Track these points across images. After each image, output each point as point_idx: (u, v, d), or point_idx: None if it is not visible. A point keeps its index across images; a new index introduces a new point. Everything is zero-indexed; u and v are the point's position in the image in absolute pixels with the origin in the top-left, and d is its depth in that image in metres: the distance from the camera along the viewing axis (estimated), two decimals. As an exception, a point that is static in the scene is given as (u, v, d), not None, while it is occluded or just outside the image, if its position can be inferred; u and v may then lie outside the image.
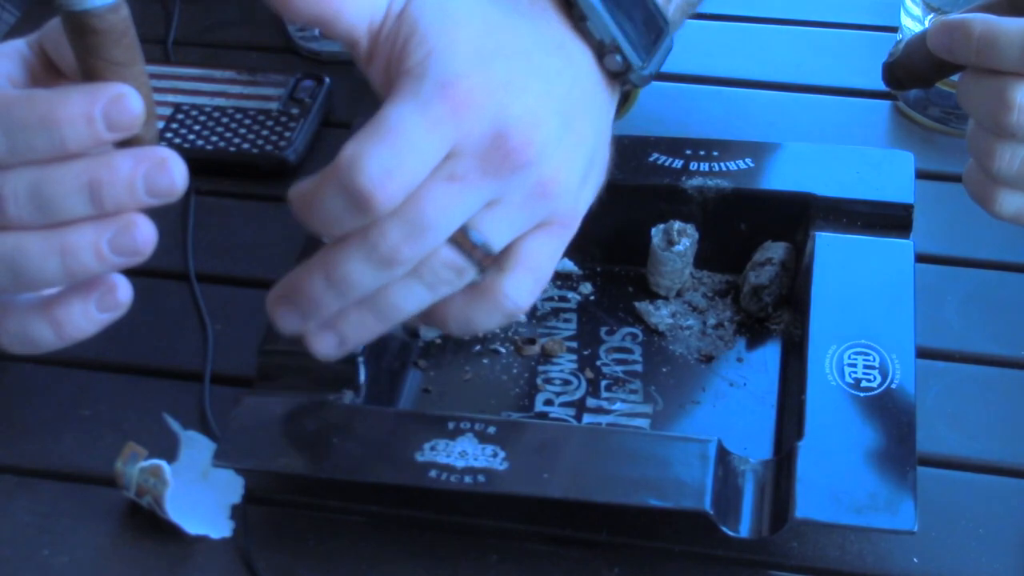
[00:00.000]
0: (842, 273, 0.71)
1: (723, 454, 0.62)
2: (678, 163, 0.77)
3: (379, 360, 0.70)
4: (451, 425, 0.63)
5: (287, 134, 0.89)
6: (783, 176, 0.77)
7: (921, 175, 0.78)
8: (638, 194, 0.77)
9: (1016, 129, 0.56)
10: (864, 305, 0.69)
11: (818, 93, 0.94)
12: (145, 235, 0.50)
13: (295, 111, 0.90)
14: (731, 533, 0.61)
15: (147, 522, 0.66)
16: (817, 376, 0.66)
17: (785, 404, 0.70)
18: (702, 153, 0.78)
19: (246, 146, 0.88)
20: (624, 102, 0.64)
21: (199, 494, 0.66)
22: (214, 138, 0.89)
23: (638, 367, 0.73)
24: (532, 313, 0.77)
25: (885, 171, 0.77)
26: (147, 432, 0.67)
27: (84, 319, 0.51)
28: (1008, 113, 0.55)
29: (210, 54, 0.99)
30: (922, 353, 0.69)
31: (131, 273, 0.52)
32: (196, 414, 0.71)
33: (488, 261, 0.56)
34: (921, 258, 0.75)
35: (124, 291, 0.52)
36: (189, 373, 0.74)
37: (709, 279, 0.78)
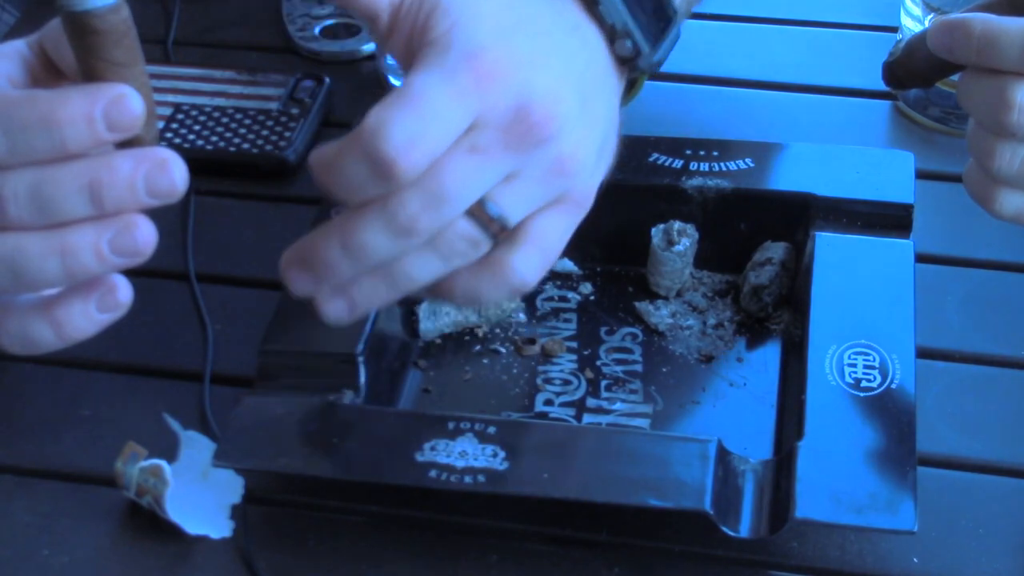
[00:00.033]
0: (842, 273, 0.71)
1: (723, 454, 0.62)
2: (678, 163, 0.77)
3: (379, 360, 0.70)
4: (451, 425, 0.63)
5: (287, 134, 0.89)
6: (783, 176, 0.77)
7: (921, 175, 0.78)
8: (638, 194, 0.77)
9: (1016, 128, 0.56)
10: (864, 305, 0.69)
11: (818, 93, 0.94)
12: (145, 236, 0.50)
13: (295, 111, 0.90)
14: (731, 533, 0.61)
15: (147, 522, 0.66)
16: (817, 376, 0.66)
17: (785, 404, 0.70)
18: (702, 153, 0.78)
19: (246, 146, 0.88)
20: (629, 89, 0.64)
21: (199, 494, 0.66)
22: (214, 138, 0.89)
23: (638, 367, 0.73)
24: (532, 313, 0.77)
25: (885, 171, 0.77)
26: (147, 432, 0.67)
27: (84, 319, 0.51)
28: (1008, 112, 0.55)
29: (210, 54, 0.99)
30: (922, 353, 0.69)
31: (131, 273, 0.52)
32: (196, 414, 0.71)
33: (503, 235, 0.56)
34: (921, 258, 0.75)
35: (124, 292, 0.52)
36: (189, 373, 0.74)
37: (709, 279, 0.78)
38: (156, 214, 0.50)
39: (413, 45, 0.55)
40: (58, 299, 0.51)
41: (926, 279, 0.75)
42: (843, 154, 0.78)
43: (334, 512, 0.67)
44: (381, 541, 0.66)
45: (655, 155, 0.78)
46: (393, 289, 0.57)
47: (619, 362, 0.74)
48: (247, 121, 0.90)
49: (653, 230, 0.76)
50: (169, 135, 0.88)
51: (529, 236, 0.57)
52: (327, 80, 0.93)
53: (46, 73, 0.54)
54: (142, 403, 0.72)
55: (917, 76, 0.64)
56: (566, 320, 0.76)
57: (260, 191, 0.87)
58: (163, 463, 0.64)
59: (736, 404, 0.71)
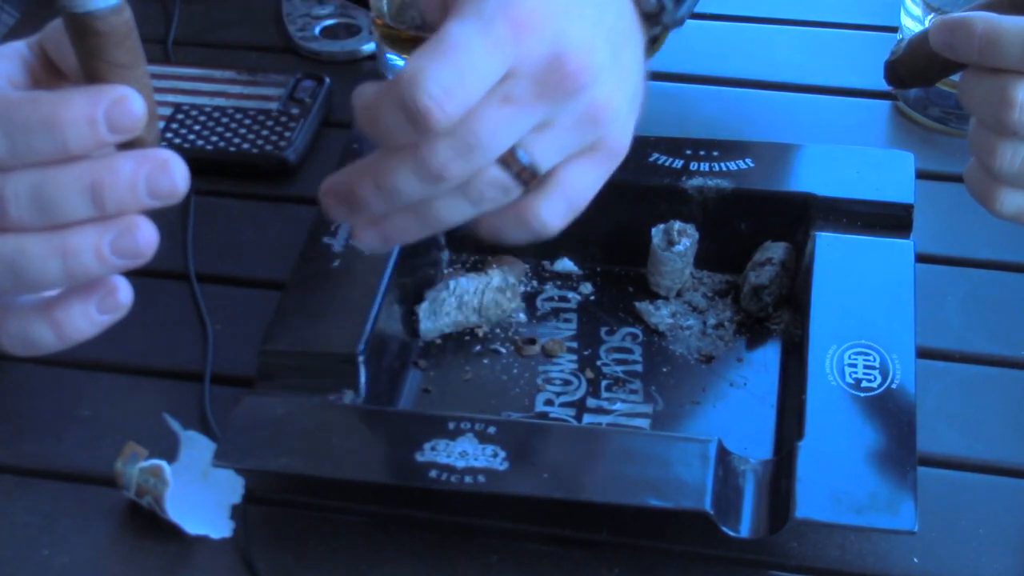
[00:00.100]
0: (842, 273, 0.71)
1: (723, 454, 0.62)
2: (678, 163, 0.77)
3: (379, 360, 0.70)
4: (451, 425, 0.63)
5: (287, 134, 0.89)
6: (783, 176, 0.77)
7: (921, 175, 0.78)
8: (638, 194, 0.77)
9: (1017, 127, 0.56)
10: (864, 305, 0.69)
11: (818, 93, 0.94)
12: (146, 237, 0.50)
13: (295, 111, 0.90)
14: (731, 533, 0.61)
15: (147, 522, 0.66)
16: (817, 376, 0.66)
17: (785, 404, 0.70)
18: (702, 153, 0.78)
19: (246, 146, 0.88)
20: (651, 45, 0.65)
21: (199, 494, 0.66)
22: (214, 138, 0.89)
23: (638, 367, 0.73)
24: (532, 313, 0.77)
25: (885, 171, 0.77)
26: (147, 432, 0.67)
27: (84, 321, 0.51)
28: (1010, 111, 0.55)
29: (210, 54, 0.99)
30: (922, 353, 0.69)
31: (131, 274, 0.52)
32: (196, 414, 0.71)
33: (533, 182, 0.57)
34: (921, 258, 0.75)
35: (125, 293, 0.52)
36: (189, 373, 0.74)
37: (709, 279, 0.78)
38: (156, 214, 0.50)
39: None
40: (58, 300, 0.51)
41: (926, 279, 0.75)
42: (843, 154, 0.78)
43: (334, 512, 0.67)
44: (381, 541, 0.66)
45: (655, 155, 0.78)
46: (424, 227, 0.58)
47: (619, 362, 0.74)
48: (247, 121, 0.90)
49: (653, 230, 0.76)
50: (169, 135, 0.88)
51: (557, 185, 0.58)
52: (327, 80, 0.93)
53: (47, 74, 0.54)
54: (142, 403, 0.72)
55: (919, 75, 0.64)
56: (566, 320, 0.76)
57: (260, 191, 0.87)
58: (163, 463, 0.64)
59: (736, 404, 0.71)
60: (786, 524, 0.60)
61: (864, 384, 0.65)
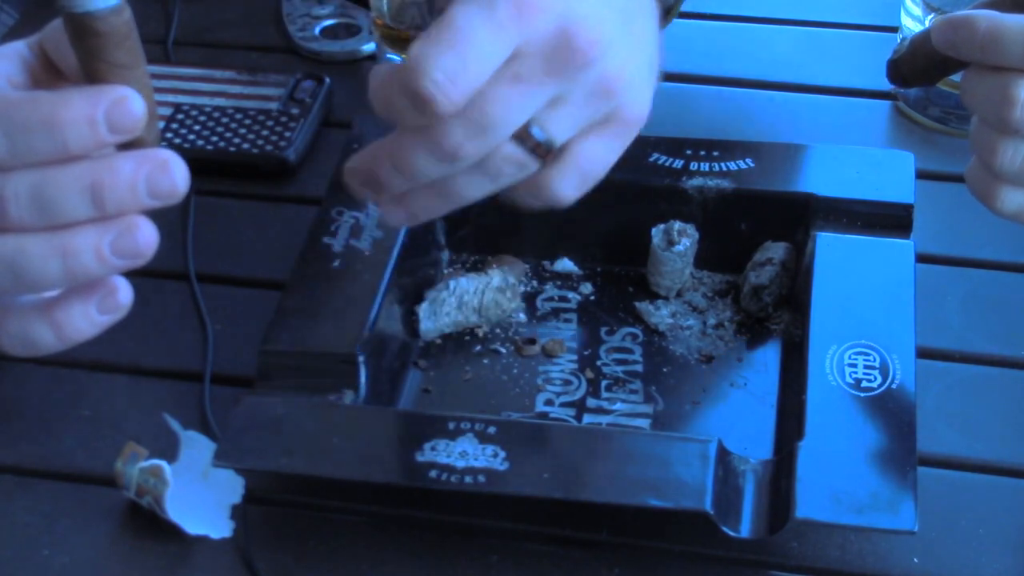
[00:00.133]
0: (842, 273, 0.71)
1: (723, 454, 0.62)
2: (678, 163, 0.77)
3: (379, 360, 0.70)
4: (451, 425, 0.63)
5: (287, 134, 0.89)
6: (783, 176, 0.77)
7: (921, 175, 0.78)
8: (638, 194, 0.77)
9: (1019, 125, 0.56)
10: (864, 305, 0.69)
11: (818, 93, 0.94)
12: (147, 237, 0.50)
13: (295, 111, 0.90)
14: (731, 533, 0.61)
15: (147, 522, 0.66)
16: (817, 376, 0.66)
17: (785, 404, 0.70)
18: (702, 153, 0.78)
19: (246, 146, 0.88)
20: (667, 14, 0.64)
21: (199, 494, 0.66)
22: (214, 138, 0.89)
23: (638, 367, 0.73)
24: (532, 313, 0.77)
25: (885, 171, 0.77)
26: (147, 432, 0.67)
27: (84, 321, 0.51)
28: (1011, 109, 0.56)
29: (210, 54, 0.99)
30: (922, 353, 0.69)
31: (131, 274, 0.52)
32: (196, 414, 0.71)
33: (550, 156, 0.57)
34: (921, 258, 0.75)
35: (125, 293, 0.52)
36: (189, 373, 0.74)
37: (709, 279, 0.78)
38: (156, 214, 0.50)
39: None
40: (58, 301, 0.51)
41: (926, 279, 0.75)
42: (843, 154, 0.78)
43: (334, 512, 0.67)
44: (381, 541, 0.66)
45: (655, 155, 0.78)
46: (447, 203, 0.59)
47: (619, 362, 0.74)
48: (247, 121, 0.90)
49: (653, 230, 0.76)
50: (169, 135, 0.88)
51: (571, 158, 0.58)
52: (327, 80, 0.93)
53: (46, 74, 0.54)
54: (142, 403, 0.72)
55: (921, 73, 0.64)
56: (566, 320, 0.76)
57: (260, 191, 0.87)
58: (163, 463, 0.64)
59: (736, 404, 0.71)
60: (786, 524, 0.60)
61: (864, 384, 0.65)
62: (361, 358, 0.68)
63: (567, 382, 0.73)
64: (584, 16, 0.54)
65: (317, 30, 1.00)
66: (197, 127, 0.89)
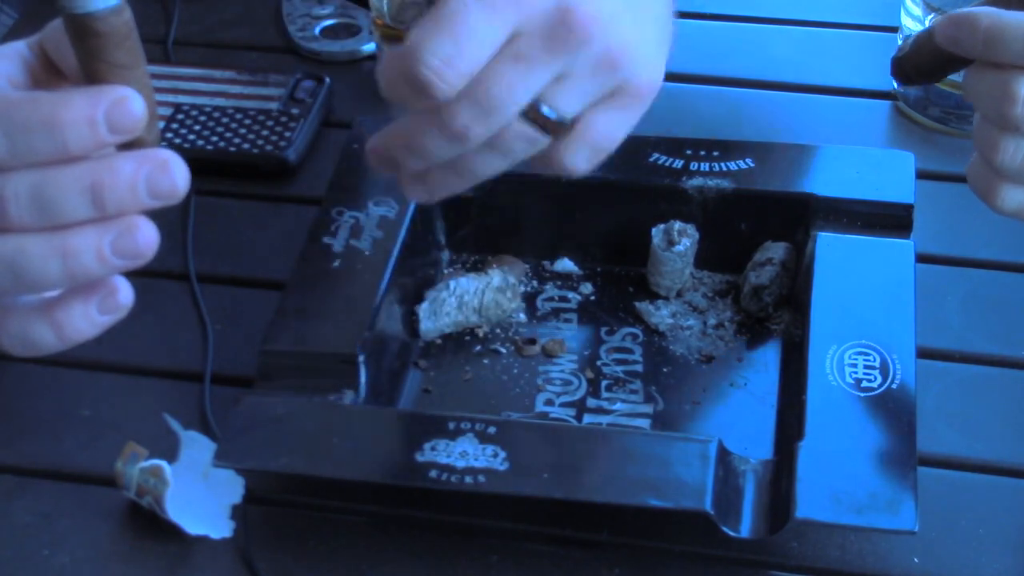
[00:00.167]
0: (842, 273, 0.71)
1: (723, 454, 0.62)
2: (678, 163, 0.77)
3: (379, 360, 0.70)
4: (451, 425, 0.63)
5: (287, 134, 0.88)
6: (783, 176, 0.77)
7: (921, 175, 0.78)
8: (638, 194, 0.77)
9: (1020, 122, 0.56)
10: (864, 305, 0.69)
11: (818, 93, 0.94)
12: (147, 238, 0.50)
13: (295, 111, 0.90)
14: (731, 533, 0.61)
15: (147, 522, 0.66)
16: (817, 376, 0.66)
17: (785, 404, 0.70)
18: (702, 153, 0.78)
19: (246, 146, 0.88)
20: None
21: (199, 494, 0.66)
22: (214, 138, 0.89)
23: (638, 367, 0.73)
24: (532, 313, 0.77)
25: (885, 171, 0.77)
26: (147, 432, 0.67)
27: (85, 321, 0.51)
28: (1012, 106, 0.56)
29: (210, 54, 0.99)
30: (922, 353, 0.69)
31: (131, 274, 0.52)
32: (196, 414, 0.72)
33: (561, 130, 0.58)
34: (921, 258, 0.75)
35: (125, 293, 0.52)
36: (189, 373, 0.74)
37: (709, 279, 0.78)
38: (156, 214, 0.50)
39: None
40: (59, 301, 0.51)
41: (926, 279, 0.75)
42: (843, 154, 0.78)
43: (334, 512, 0.67)
44: (381, 541, 0.66)
45: (655, 155, 0.78)
46: (464, 181, 0.59)
47: (619, 362, 0.74)
48: (247, 121, 0.90)
49: (653, 230, 0.76)
50: (169, 135, 0.88)
51: (581, 132, 0.58)
52: (327, 80, 0.93)
53: (47, 74, 0.54)
54: (142, 403, 0.72)
55: (925, 70, 0.64)
56: (566, 320, 0.76)
57: (260, 191, 0.87)
58: (163, 463, 0.64)
59: (736, 404, 0.71)
60: (786, 524, 0.60)
61: (864, 384, 0.65)
62: (361, 358, 0.68)
63: (567, 382, 0.73)
64: None
65: (317, 30, 1.00)
66: (197, 127, 0.89)
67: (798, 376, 0.67)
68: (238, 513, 0.66)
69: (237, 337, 0.76)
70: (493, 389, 0.73)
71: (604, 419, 0.70)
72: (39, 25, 0.54)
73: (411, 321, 0.75)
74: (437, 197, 0.61)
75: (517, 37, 0.54)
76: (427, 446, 0.62)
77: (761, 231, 0.77)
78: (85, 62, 0.48)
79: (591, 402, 0.72)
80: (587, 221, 0.78)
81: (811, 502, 0.60)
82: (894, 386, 0.65)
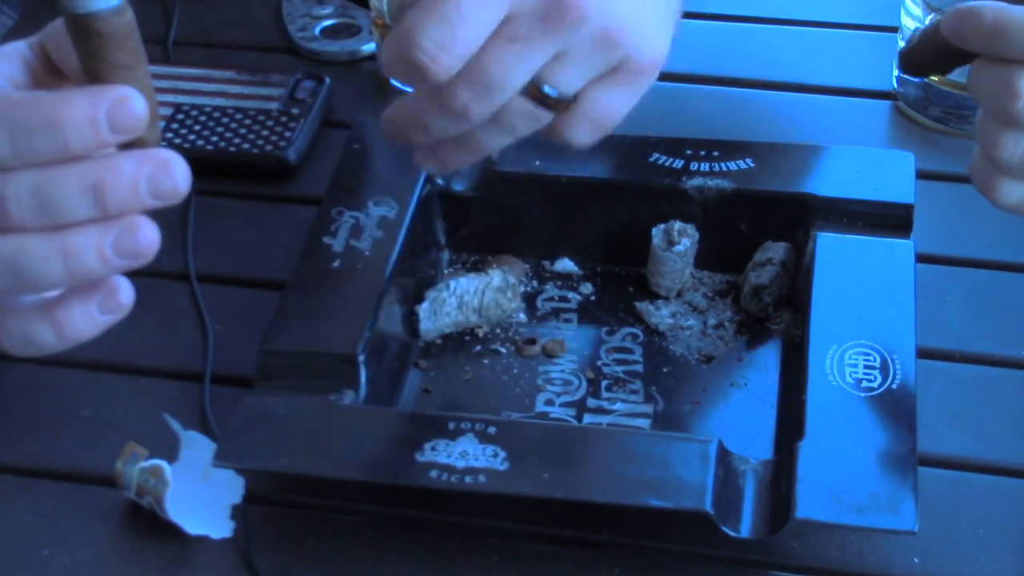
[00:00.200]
0: (842, 273, 0.71)
1: (723, 454, 0.62)
2: (678, 163, 0.77)
3: (379, 360, 0.70)
4: (451, 425, 0.63)
5: (287, 134, 0.88)
6: (783, 176, 0.77)
7: (921, 175, 0.78)
8: (638, 194, 0.77)
9: (1022, 118, 0.56)
10: (865, 305, 0.69)
11: (818, 93, 0.94)
12: (148, 237, 0.50)
13: (295, 111, 0.90)
14: (731, 533, 0.61)
15: (147, 522, 0.66)
16: (818, 376, 0.66)
17: (785, 404, 0.70)
18: (702, 153, 0.78)
19: (246, 146, 0.88)
20: None
21: (199, 494, 0.66)
22: (214, 138, 0.89)
23: (638, 367, 0.73)
24: (532, 313, 0.77)
25: (885, 171, 0.77)
26: (147, 432, 0.67)
27: (86, 321, 0.51)
28: (1014, 101, 0.56)
29: (210, 54, 0.99)
30: (922, 353, 0.69)
31: (131, 274, 0.52)
32: (196, 414, 0.71)
33: (563, 106, 0.59)
34: (921, 258, 0.75)
35: (126, 293, 0.52)
36: (189, 373, 0.74)
37: (709, 279, 0.78)
38: (156, 214, 0.50)
39: None
40: (60, 301, 0.51)
41: (926, 279, 0.75)
42: (843, 154, 0.78)
43: (334, 512, 0.67)
44: (381, 541, 0.66)
45: (655, 155, 0.78)
46: (473, 154, 0.62)
47: (619, 362, 0.74)
48: (247, 121, 0.90)
49: (653, 230, 0.76)
50: (169, 135, 0.88)
51: (582, 108, 0.60)
52: (327, 80, 0.93)
53: (47, 74, 0.54)
54: (142, 403, 0.72)
55: (933, 63, 0.64)
56: (566, 320, 0.76)
57: (260, 191, 0.87)
58: (163, 463, 0.64)
59: (736, 404, 0.71)
60: (786, 524, 0.60)
61: (864, 384, 0.65)
62: (361, 358, 0.68)
63: (567, 382, 0.73)
64: None
65: (317, 30, 1.00)
66: (197, 127, 0.89)
67: (798, 376, 0.67)
68: (238, 513, 0.66)
69: (237, 337, 0.76)
70: (493, 389, 0.73)
71: (604, 419, 0.70)
72: (39, 25, 0.55)
73: (411, 321, 0.75)
74: (449, 170, 0.63)
75: (512, 18, 0.55)
76: (427, 446, 0.62)
77: (761, 231, 0.77)
78: (86, 62, 0.48)
79: (591, 402, 0.72)
80: (587, 221, 0.78)
81: (811, 502, 0.60)
82: (894, 386, 0.65)
